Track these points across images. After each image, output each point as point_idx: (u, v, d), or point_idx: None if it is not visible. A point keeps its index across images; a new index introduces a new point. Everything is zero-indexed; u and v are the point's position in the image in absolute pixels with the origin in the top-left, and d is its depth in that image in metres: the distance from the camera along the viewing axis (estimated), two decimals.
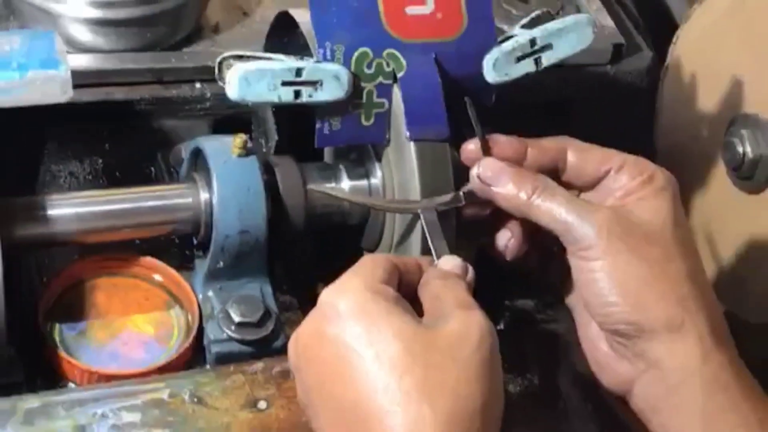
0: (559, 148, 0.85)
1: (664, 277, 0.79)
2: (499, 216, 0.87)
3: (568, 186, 0.84)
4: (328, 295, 0.73)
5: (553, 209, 0.80)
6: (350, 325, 0.71)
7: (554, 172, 0.85)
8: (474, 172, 0.85)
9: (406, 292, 0.76)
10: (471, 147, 0.86)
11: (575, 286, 0.83)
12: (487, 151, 0.85)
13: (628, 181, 0.82)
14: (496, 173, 0.83)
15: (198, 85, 1.03)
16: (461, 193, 0.87)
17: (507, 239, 0.87)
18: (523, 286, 1.06)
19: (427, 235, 0.84)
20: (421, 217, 0.85)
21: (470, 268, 0.80)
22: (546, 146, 0.85)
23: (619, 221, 0.80)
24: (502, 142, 0.86)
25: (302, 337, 0.74)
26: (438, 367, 0.69)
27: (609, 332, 0.81)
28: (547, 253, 0.88)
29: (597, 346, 0.84)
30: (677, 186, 0.83)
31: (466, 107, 0.88)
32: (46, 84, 0.81)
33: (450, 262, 0.80)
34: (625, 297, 0.78)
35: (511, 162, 0.84)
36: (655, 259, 0.79)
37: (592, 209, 0.80)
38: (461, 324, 0.72)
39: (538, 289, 1.06)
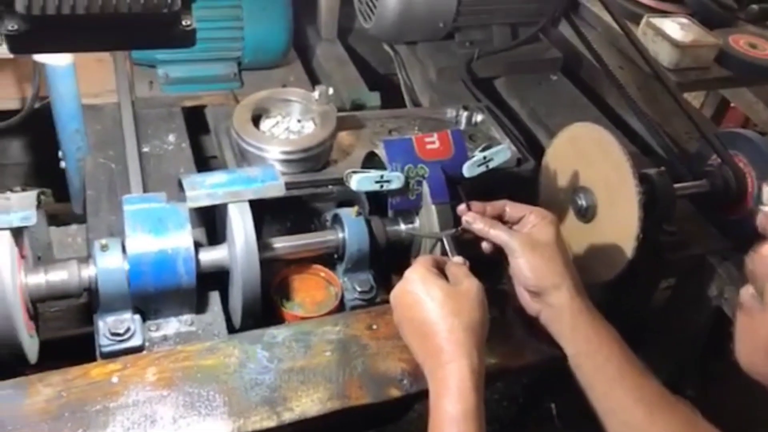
0: (502, 205, 0.91)
1: (551, 265, 0.85)
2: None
3: (506, 222, 0.90)
4: (408, 272, 0.82)
5: (499, 236, 0.88)
6: (418, 285, 0.79)
7: (500, 216, 0.91)
8: (464, 218, 0.91)
9: (439, 271, 0.83)
10: (462, 207, 0.92)
11: (511, 270, 0.88)
12: (469, 208, 0.92)
13: (534, 219, 0.88)
14: (473, 219, 0.90)
15: (330, 186, 1.09)
16: (459, 228, 0.93)
17: (487, 247, 0.92)
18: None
19: (446, 246, 0.91)
20: (444, 238, 0.92)
21: (467, 261, 0.87)
22: (495, 205, 0.91)
23: (529, 239, 0.86)
24: (476, 204, 0.92)
25: (396, 291, 0.82)
26: (459, 303, 0.78)
27: (528, 290, 0.87)
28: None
29: (524, 296, 0.89)
30: (557, 221, 0.90)
31: (459, 190, 0.97)
32: (273, 188, 0.91)
33: (458, 259, 0.87)
34: (533, 275, 0.85)
35: (480, 213, 0.91)
36: (547, 256, 0.85)
37: (516, 234, 0.87)
38: (468, 284, 0.80)
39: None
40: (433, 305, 0.78)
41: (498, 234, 0.88)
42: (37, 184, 1.67)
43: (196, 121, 1.31)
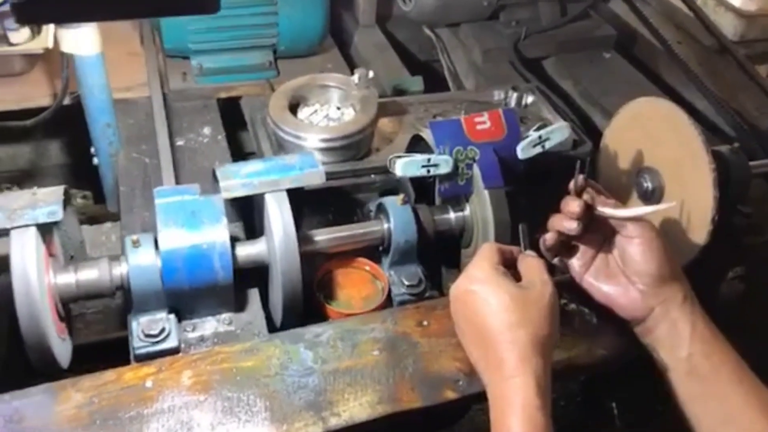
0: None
1: (670, 256, 0.78)
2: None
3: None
4: (471, 268, 0.75)
5: (627, 214, 0.78)
6: (482, 285, 0.73)
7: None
8: (585, 193, 0.79)
9: (504, 261, 0.76)
10: (581, 179, 0.80)
11: (623, 258, 0.78)
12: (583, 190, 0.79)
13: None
14: (595, 196, 0.79)
15: (372, 176, 1.05)
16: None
17: (551, 237, 0.81)
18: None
19: (521, 237, 0.82)
20: (521, 228, 0.82)
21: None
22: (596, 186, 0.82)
23: (652, 227, 0.79)
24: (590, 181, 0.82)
25: (457, 289, 0.76)
26: (528, 311, 0.70)
27: (646, 280, 0.77)
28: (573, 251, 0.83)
29: (629, 294, 0.78)
30: None
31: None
32: (313, 176, 0.86)
33: (531, 253, 0.79)
34: (662, 259, 0.77)
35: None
36: (668, 248, 0.78)
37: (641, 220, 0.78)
38: (542, 289, 0.73)
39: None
40: (498, 311, 0.71)
41: (627, 212, 0.77)
42: (77, 186, 1.66)
43: (234, 116, 1.27)
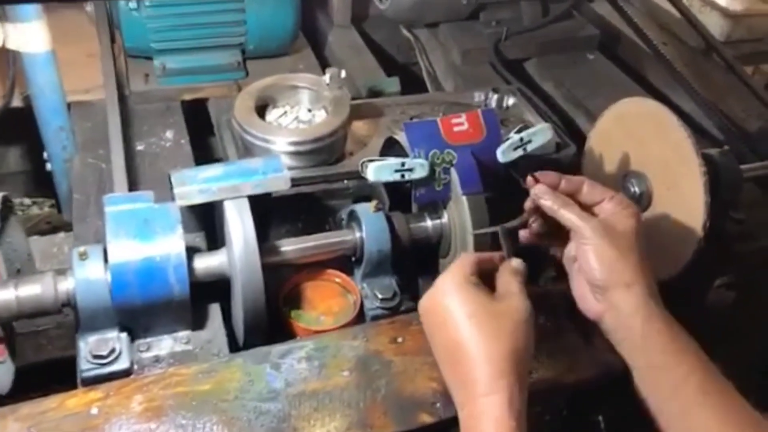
0: (580, 182, 0.79)
1: (625, 259, 0.74)
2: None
3: (581, 203, 0.79)
4: (441, 279, 0.71)
5: (570, 218, 0.76)
6: (452, 298, 0.68)
7: (575, 195, 0.79)
8: (532, 191, 0.79)
9: (482, 271, 0.72)
10: (530, 178, 0.79)
11: (576, 260, 0.77)
12: (536, 180, 0.79)
13: (612, 207, 0.77)
14: (543, 193, 0.78)
15: (345, 181, 1.01)
16: (523, 218, 0.81)
17: (524, 236, 0.82)
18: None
19: (503, 242, 0.78)
20: (501, 233, 0.78)
21: (525, 266, 0.75)
22: (572, 180, 0.80)
23: (605, 226, 0.75)
24: (549, 175, 0.80)
25: (425, 303, 0.71)
26: (502, 324, 0.67)
27: (592, 286, 0.75)
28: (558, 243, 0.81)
29: (585, 295, 0.77)
30: (639, 214, 0.78)
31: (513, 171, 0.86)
32: (277, 181, 0.81)
33: (517, 263, 0.75)
34: (603, 267, 0.73)
35: (552, 186, 0.79)
36: (622, 249, 0.74)
37: (590, 218, 0.75)
38: (517, 303, 0.69)
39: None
40: (469, 325, 0.66)
41: (569, 215, 0.76)
42: (41, 194, 1.58)
43: (201, 120, 1.19)
